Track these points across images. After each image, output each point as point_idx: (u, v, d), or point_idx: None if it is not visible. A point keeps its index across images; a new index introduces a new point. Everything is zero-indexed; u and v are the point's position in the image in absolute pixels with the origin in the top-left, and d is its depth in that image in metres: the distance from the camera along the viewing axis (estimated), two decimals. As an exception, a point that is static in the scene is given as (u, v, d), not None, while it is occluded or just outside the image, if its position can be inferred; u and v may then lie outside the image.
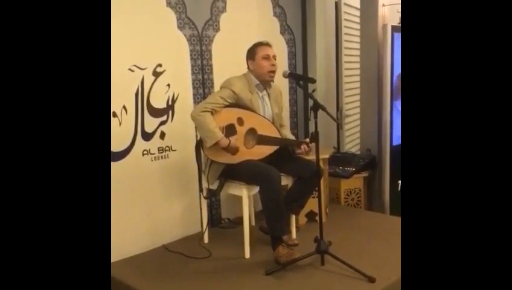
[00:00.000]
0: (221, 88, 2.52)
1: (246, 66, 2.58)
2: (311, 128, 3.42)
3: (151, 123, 2.68)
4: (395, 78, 3.42)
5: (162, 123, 2.74)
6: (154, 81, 2.68)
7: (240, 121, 2.44)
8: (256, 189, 2.41)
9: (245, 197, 2.44)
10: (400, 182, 3.59)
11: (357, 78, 3.75)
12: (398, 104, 3.52)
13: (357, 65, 3.70)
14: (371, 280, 2.13)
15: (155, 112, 2.70)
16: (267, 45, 2.52)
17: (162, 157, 2.75)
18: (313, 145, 2.37)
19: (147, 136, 2.67)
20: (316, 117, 2.25)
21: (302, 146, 2.46)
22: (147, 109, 2.66)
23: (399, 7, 3.51)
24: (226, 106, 2.43)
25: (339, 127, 3.84)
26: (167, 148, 2.78)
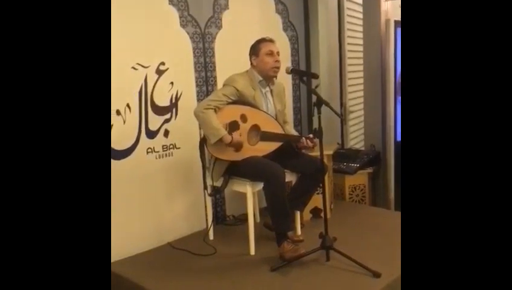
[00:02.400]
0: (224, 85, 2.52)
1: (249, 62, 2.57)
2: (315, 125, 3.42)
3: (155, 121, 2.69)
4: (398, 73, 3.42)
5: (166, 121, 2.74)
6: (158, 79, 2.68)
7: (243, 118, 2.44)
8: (260, 185, 2.41)
9: (249, 194, 2.44)
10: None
11: (361, 74, 3.74)
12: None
13: (360, 61, 3.69)
14: (376, 275, 2.13)
15: (159, 110, 2.71)
16: (271, 41, 2.52)
17: (166, 155, 2.76)
18: (316, 141, 2.37)
19: (151, 134, 2.68)
20: (319, 113, 2.24)
21: (305, 140, 2.45)
22: (151, 107, 2.66)
23: (402, 2, 3.50)
24: (229, 103, 2.43)
25: (343, 122, 3.83)
26: (171, 146, 2.78)
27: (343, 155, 3.49)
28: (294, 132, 2.71)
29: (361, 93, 3.80)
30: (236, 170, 2.45)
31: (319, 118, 2.24)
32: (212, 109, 2.36)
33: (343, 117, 3.77)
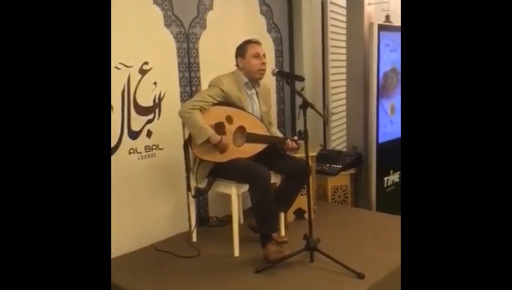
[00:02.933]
0: (209, 86, 2.50)
1: (233, 63, 2.57)
2: (298, 126, 3.44)
3: (137, 122, 2.65)
4: (381, 76, 3.46)
5: (149, 121, 2.71)
6: (141, 79, 2.65)
7: (229, 119, 2.43)
8: (245, 187, 2.41)
9: (234, 196, 2.44)
10: (386, 179, 3.64)
11: (343, 76, 3.77)
12: (384, 102, 3.55)
13: (343, 63, 3.72)
14: (360, 276, 2.15)
15: (142, 111, 2.67)
16: (257, 42, 2.51)
17: (149, 156, 2.73)
18: (301, 142, 2.38)
19: (133, 135, 2.64)
20: (304, 115, 2.25)
21: (291, 142, 2.46)
22: (134, 107, 2.63)
23: (385, 6, 3.54)
24: (215, 104, 2.42)
25: (326, 124, 3.85)
26: (154, 147, 2.75)
27: (326, 156, 3.52)
28: (279, 134, 2.72)
29: (344, 96, 3.83)
30: (221, 171, 2.43)
31: (305, 120, 2.25)
32: (197, 109, 2.35)
33: (326, 119, 3.80)
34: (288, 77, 2.56)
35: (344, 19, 3.69)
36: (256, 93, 2.59)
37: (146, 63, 2.66)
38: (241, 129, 2.45)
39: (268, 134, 2.53)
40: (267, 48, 3.33)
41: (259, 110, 2.58)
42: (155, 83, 2.72)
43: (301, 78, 2.40)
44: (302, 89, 2.37)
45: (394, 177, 3.74)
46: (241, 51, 2.51)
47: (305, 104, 2.24)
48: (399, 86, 3.72)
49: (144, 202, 2.71)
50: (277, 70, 2.50)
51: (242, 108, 2.48)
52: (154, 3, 2.69)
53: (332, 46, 3.83)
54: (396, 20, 3.62)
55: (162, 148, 2.78)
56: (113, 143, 2.55)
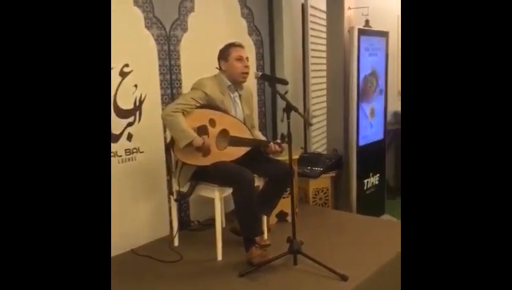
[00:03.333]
0: (192, 89, 2.48)
1: (215, 66, 2.55)
2: (279, 129, 3.44)
3: (118, 124, 2.61)
4: (361, 79, 3.50)
5: (129, 124, 2.67)
6: (121, 81, 2.60)
7: (212, 123, 2.42)
8: (228, 191, 2.39)
9: (217, 200, 2.42)
10: (366, 181, 3.69)
11: (323, 80, 3.80)
12: (364, 106, 3.60)
13: (324, 67, 3.75)
14: (344, 278, 2.16)
15: (122, 113, 2.63)
16: (240, 46, 2.51)
17: (129, 159, 2.68)
18: (284, 145, 2.39)
19: (113, 138, 2.60)
20: (288, 118, 2.26)
21: (274, 145, 2.46)
22: (114, 110, 2.58)
23: (364, 10, 3.59)
24: (198, 107, 2.40)
25: (308, 127, 3.88)
26: (134, 150, 2.71)
27: (307, 159, 3.54)
28: (262, 137, 2.72)
29: (324, 99, 3.86)
30: (204, 175, 2.41)
31: (288, 123, 2.26)
32: (180, 112, 2.32)
33: (309, 122, 3.82)
34: (271, 80, 2.55)
35: (324, 23, 3.72)
36: (239, 96, 2.58)
37: (126, 65, 2.62)
38: (224, 132, 2.44)
39: (252, 137, 2.52)
40: (248, 50, 3.31)
41: (242, 113, 2.58)
42: (136, 86, 2.68)
43: (285, 82, 2.40)
44: (286, 93, 2.37)
45: (374, 179, 3.79)
46: (224, 54, 2.50)
47: (289, 108, 2.25)
48: (378, 89, 3.78)
49: (123, 206, 2.66)
50: (260, 73, 2.50)
51: (225, 111, 2.47)
52: (134, 4, 2.65)
53: (312, 50, 3.85)
54: (376, 25, 3.68)
55: (142, 152, 2.74)
56: (92, 146, 2.49)
